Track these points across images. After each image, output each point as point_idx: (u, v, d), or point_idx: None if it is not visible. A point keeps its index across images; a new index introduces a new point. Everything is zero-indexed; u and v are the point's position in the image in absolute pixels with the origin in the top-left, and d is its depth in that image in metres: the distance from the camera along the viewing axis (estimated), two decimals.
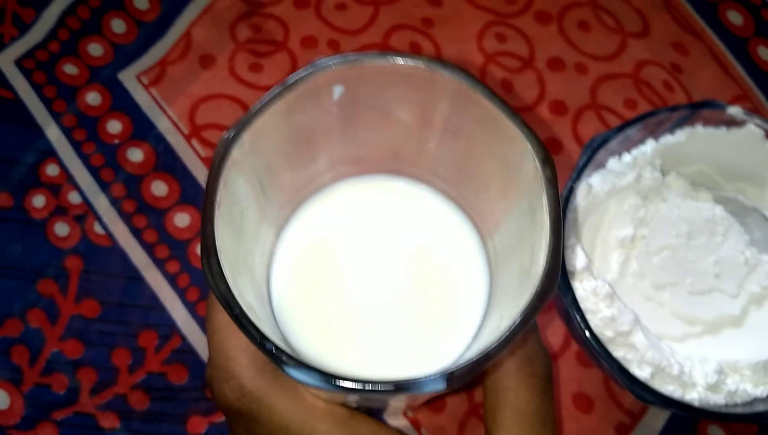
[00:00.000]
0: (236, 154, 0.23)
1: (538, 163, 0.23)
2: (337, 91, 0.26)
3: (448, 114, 0.27)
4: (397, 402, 0.35)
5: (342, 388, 0.21)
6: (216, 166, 0.23)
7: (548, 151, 0.24)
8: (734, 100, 0.45)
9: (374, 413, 0.38)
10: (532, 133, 0.24)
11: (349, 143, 0.30)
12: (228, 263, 0.22)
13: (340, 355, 0.28)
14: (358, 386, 0.21)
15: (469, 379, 0.21)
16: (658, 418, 0.39)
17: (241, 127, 0.24)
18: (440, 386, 0.21)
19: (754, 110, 0.45)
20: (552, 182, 0.23)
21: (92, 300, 0.39)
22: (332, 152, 0.30)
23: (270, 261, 0.30)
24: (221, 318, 0.27)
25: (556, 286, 0.22)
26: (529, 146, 0.24)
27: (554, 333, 0.39)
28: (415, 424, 0.37)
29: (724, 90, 0.46)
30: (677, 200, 0.37)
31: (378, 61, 0.25)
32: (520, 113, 0.39)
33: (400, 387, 0.21)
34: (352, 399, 0.27)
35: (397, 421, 0.38)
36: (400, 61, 0.25)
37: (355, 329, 0.29)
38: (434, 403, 0.38)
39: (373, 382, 0.21)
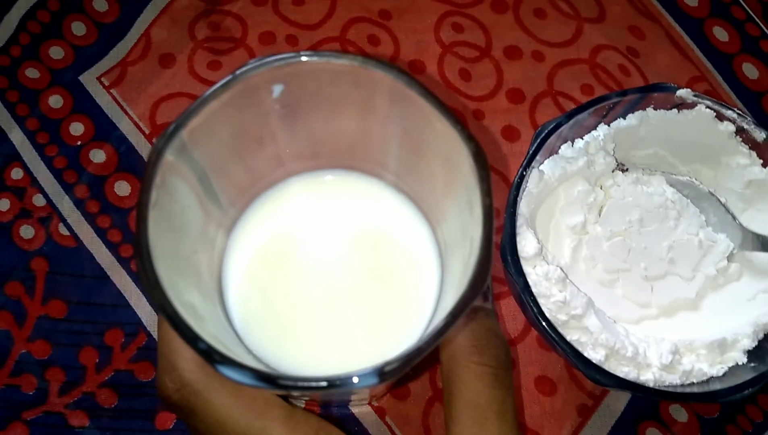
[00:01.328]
0: (172, 154, 0.24)
1: (471, 159, 0.24)
2: (277, 89, 0.26)
3: (389, 111, 0.27)
4: (361, 393, 0.35)
5: (277, 385, 0.21)
6: (150, 165, 0.23)
7: (480, 146, 0.24)
8: (692, 82, 0.45)
9: (339, 404, 0.38)
10: (465, 129, 0.24)
11: (297, 140, 0.30)
12: (165, 262, 0.22)
13: (299, 352, 0.29)
14: (291, 383, 0.21)
15: (403, 372, 0.21)
16: (619, 399, 0.39)
17: (175, 126, 0.24)
18: (372, 381, 0.21)
19: (712, 91, 0.45)
20: (483, 177, 0.23)
21: (59, 300, 0.40)
22: (280, 149, 0.30)
23: (222, 260, 0.30)
24: None
25: (486, 278, 0.22)
26: (462, 142, 0.24)
27: (515, 318, 0.40)
28: (380, 413, 0.38)
29: (682, 72, 0.46)
30: (629, 187, 0.37)
31: (314, 59, 0.25)
32: (479, 102, 0.38)
33: (333, 383, 0.21)
34: (299, 394, 0.27)
35: (362, 410, 0.38)
36: (335, 60, 0.25)
37: (314, 326, 0.29)
38: (398, 390, 0.38)
39: (305, 380, 0.21)
